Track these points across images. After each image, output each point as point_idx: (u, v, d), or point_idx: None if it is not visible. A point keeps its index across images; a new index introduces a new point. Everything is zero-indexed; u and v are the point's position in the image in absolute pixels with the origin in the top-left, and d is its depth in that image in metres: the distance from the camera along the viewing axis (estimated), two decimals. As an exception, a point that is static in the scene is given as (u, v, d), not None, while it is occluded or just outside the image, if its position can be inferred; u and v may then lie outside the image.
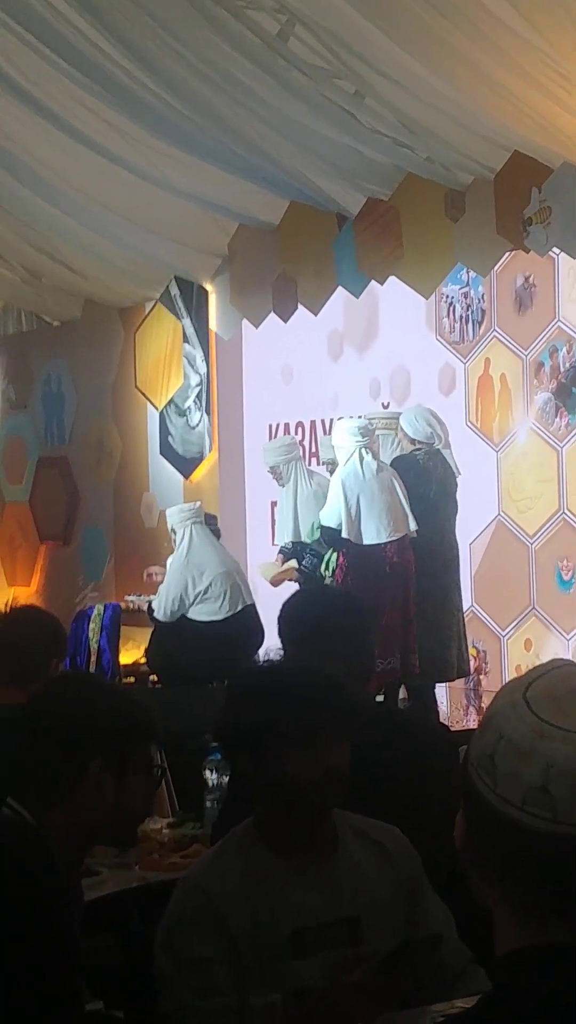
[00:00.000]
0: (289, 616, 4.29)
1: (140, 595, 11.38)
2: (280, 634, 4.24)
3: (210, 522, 10.31)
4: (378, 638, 8.29)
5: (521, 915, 1.66)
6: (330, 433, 10.15)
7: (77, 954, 2.56)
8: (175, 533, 10.14)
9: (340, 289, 10.23)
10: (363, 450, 9.16)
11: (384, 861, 3.31)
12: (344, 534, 9.04)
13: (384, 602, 8.84)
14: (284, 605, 4.36)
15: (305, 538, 9.74)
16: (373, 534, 9.04)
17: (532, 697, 1.66)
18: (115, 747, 3.14)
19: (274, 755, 3.19)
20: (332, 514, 9.15)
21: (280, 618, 4.31)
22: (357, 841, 3.31)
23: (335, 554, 9.22)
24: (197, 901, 3.17)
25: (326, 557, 9.33)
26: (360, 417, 9.80)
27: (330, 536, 9.18)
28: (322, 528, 9.27)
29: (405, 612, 9.00)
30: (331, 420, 10.95)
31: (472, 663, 9.92)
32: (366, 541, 9.03)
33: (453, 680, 9.74)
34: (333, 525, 9.13)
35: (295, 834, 3.23)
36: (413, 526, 9.09)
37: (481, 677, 10.50)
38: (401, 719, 4.98)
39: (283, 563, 9.76)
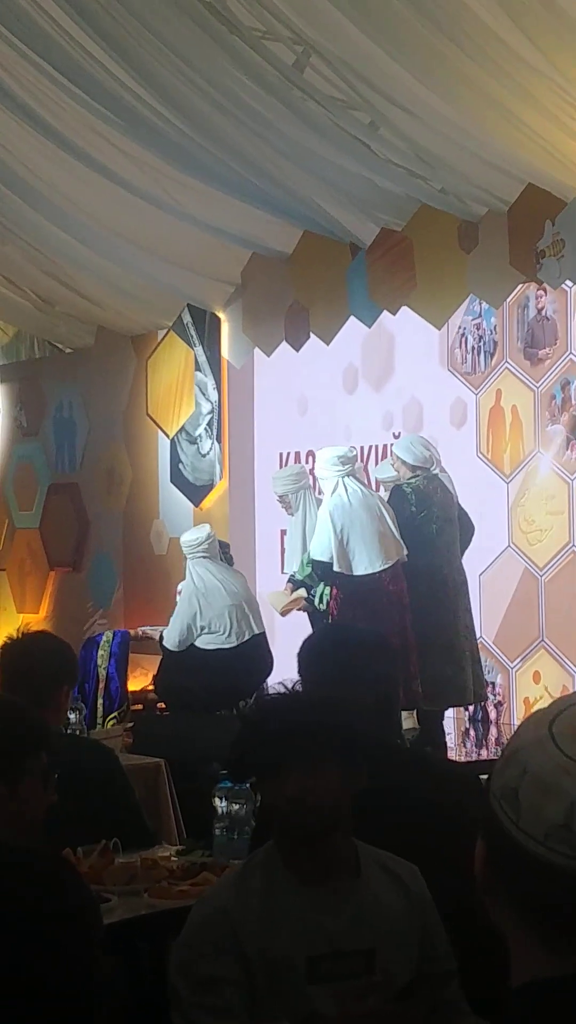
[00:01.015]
0: (307, 658, 4.22)
1: (155, 627, 11.30)
2: (300, 674, 4.19)
3: (223, 549, 10.30)
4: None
5: (539, 947, 1.66)
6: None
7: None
8: (187, 560, 10.12)
9: (358, 325, 10.25)
10: (346, 479, 9.14)
11: (403, 896, 3.31)
12: (335, 567, 9.00)
13: (385, 631, 8.83)
14: (303, 646, 4.29)
15: (297, 574, 9.70)
16: (366, 564, 9.00)
17: (558, 732, 1.66)
18: (4, 759, 3.21)
19: (257, 783, 3.26)
20: (322, 547, 9.12)
21: (299, 658, 4.25)
22: (379, 873, 3.31)
23: (326, 588, 9.18)
24: (216, 921, 3.17)
25: (318, 591, 9.29)
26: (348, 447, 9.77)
27: (322, 570, 9.14)
28: (313, 562, 9.23)
29: (404, 639, 8.96)
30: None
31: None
32: (359, 572, 8.99)
33: (471, 703, 9.73)
34: (324, 559, 9.09)
35: (301, 860, 3.24)
36: (404, 550, 9.05)
37: (488, 708, 10.48)
38: (411, 756, 4.93)
39: (292, 592, 9.73)
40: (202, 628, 9.79)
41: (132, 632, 11.47)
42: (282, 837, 3.26)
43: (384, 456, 10.79)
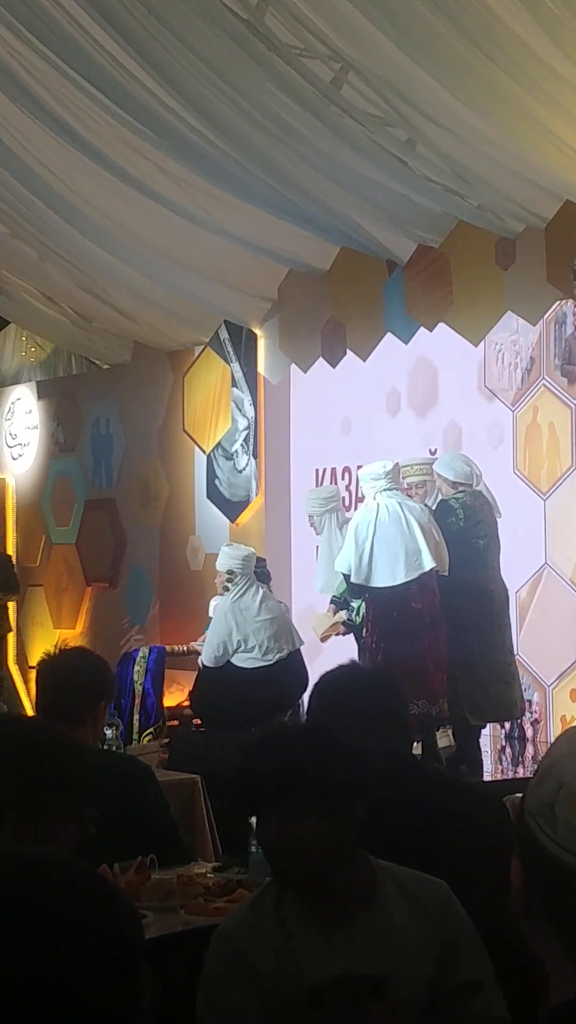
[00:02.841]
0: (317, 702, 4.20)
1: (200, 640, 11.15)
2: (310, 714, 4.19)
3: (260, 566, 10.28)
4: (410, 683, 8.29)
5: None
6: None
7: None
8: (231, 575, 10.02)
9: (400, 350, 10.25)
10: (380, 493, 9.13)
11: (418, 916, 3.29)
12: (353, 579, 9.01)
13: (410, 647, 8.81)
14: (314, 689, 4.29)
15: (334, 592, 9.70)
16: (387, 576, 8.97)
17: None
18: (33, 801, 3.19)
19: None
20: (343, 560, 9.13)
21: (310, 699, 4.25)
22: (396, 896, 3.29)
23: (362, 602, 9.21)
24: (228, 951, 3.18)
25: (357, 606, 9.31)
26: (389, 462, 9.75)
27: (348, 582, 9.18)
28: (343, 576, 9.26)
29: (436, 657, 8.92)
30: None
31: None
32: (379, 583, 8.97)
33: (517, 718, 9.71)
34: (344, 571, 9.11)
35: (302, 895, 3.25)
36: (429, 565, 8.99)
37: (525, 725, 10.45)
38: (442, 779, 4.91)
39: (335, 613, 9.69)
40: (238, 644, 9.77)
41: (171, 648, 11.43)
42: (275, 876, 3.28)
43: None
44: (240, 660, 9.79)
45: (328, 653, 10.16)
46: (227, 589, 9.97)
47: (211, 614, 10.22)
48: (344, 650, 9.46)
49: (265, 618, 9.83)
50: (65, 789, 3.27)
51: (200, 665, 10.13)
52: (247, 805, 3.27)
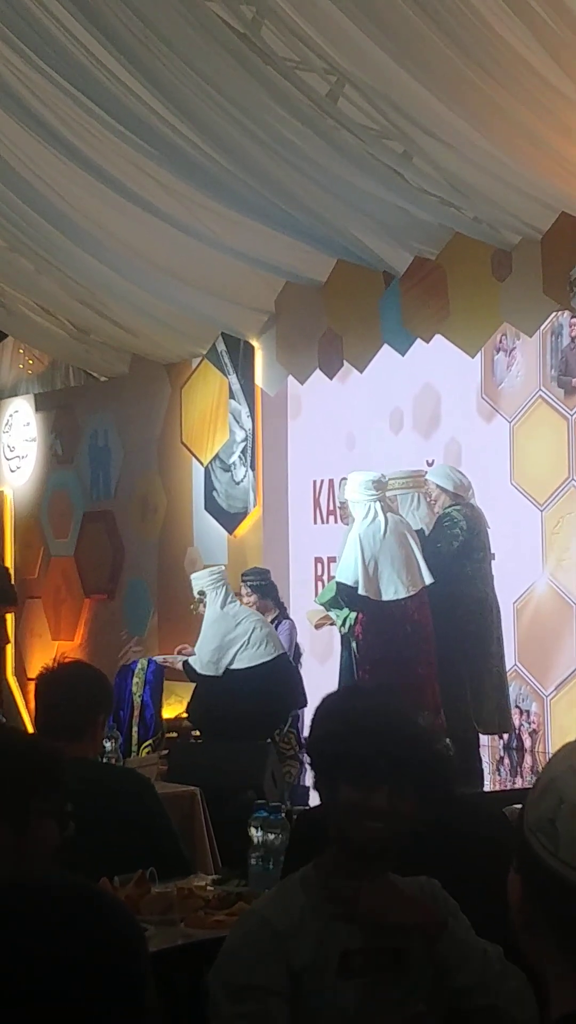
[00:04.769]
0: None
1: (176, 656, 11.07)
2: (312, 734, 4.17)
3: (264, 578, 10.50)
4: (410, 696, 8.30)
5: (579, 978, 1.66)
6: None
7: None
8: (204, 595, 10.11)
9: (401, 371, 10.27)
10: (378, 504, 9.13)
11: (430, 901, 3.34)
12: (362, 591, 8.99)
13: (408, 660, 8.82)
14: (318, 708, 4.26)
15: (317, 601, 9.72)
16: (392, 591, 8.99)
17: None
18: (10, 802, 3.23)
19: (324, 781, 3.25)
20: (348, 571, 9.10)
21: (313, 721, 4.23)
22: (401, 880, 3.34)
23: (351, 613, 9.18)
24: (262, 931, 3.19)
25: (342, 616, 9.27)
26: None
27: (347, 594, 9.11)
28: (338, 585, 9.21)
29: (429, 669, 8.94)
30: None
31: (515, 721, 9.91)
32: (386, 598, 8.98)
33: (495, 734, 9.72)
34: (349, 582, 9.07)
35: (358, 868, 3.25)
36: (428, 580, 9.03)
37: (524, 736, 10.46)
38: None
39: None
40: (239, 644, 9.78)
41: (159, 660, 11.42)
42: (345, 844, 3.25)
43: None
44: (246, 660, 9.77)
45: (319, 674, 10.20)
46: (213, 601, 10.04)
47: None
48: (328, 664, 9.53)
49: (255, 617, 9.92)
50: (41, 788, 3.30)
51: (191, 674, 10.09)
52: (363, 765, 3.23)
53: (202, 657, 9.94)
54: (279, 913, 3.22)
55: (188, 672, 10.14)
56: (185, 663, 10.20)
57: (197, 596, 10.16)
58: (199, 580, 10.24)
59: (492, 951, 3.24)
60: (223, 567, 10.57)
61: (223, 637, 9.83)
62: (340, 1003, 3.13)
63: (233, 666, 9.80)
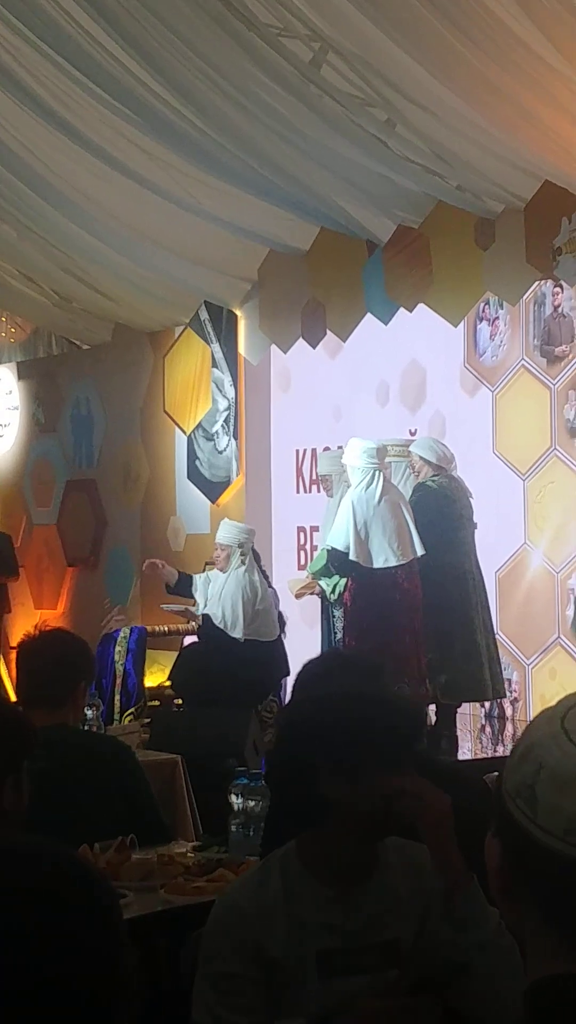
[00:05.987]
0: (306, 683, 4.16)
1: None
2: (295, 696, 4.15)
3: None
4: (395, 665, 8.31)
5: (556, 943, 1.67)
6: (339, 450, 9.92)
7: None
8: (230, 549, 9.99)
9: (388, 347, 10.26)
10: (377, 472, 9.11)
11: (415, 878, 3.30)
12: (352, 556, 8.98)
13: (396, 629, 8.83)
14: (302, 670, 4.24)
15: (309, 570, 9.69)
16: (382, 559, 8.99)
17: (571, 728, 1.67)
18: None
19: (323, 781, 3.19)
20: (339, 536, 9.08)
21: (297, 682, 4.20)
22: (396, 861, 3.30)
23: (341, 580, 9.17)
24: (233, 920, 3.18)
25: (332, 582, 9.27)
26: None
27: (338, 560, 9.10)
28: (330, 550, 9.18)
29: (416, 639, 8.96)
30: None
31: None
32: (377, 565, 8.99)
33: (491, 699, 9.71)
34: (340, 547, 9.07)
35: (336, 861, 3.23)
36: (420, 551, 9.03)
37: (505, 704, 10.49)
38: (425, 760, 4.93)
39: (310, 579, 9.71)
40: (261, 617, 9.73)
41: (152, 629, 11.35)
42: (369, 832, 3.23)
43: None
44: (258, 632, 9.73)
45: (300, 641, 10.21)
46: (242, 562, 9.91)
47: (194, 591, 10.14)
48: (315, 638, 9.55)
49: (270, 592, 9.91)
50: (17, 760, 3.32)
51: (206, 635, 9.94)
52: (388, 745, 3.21)
53: (235, 617, 9.77)
54: (252, 901, 3.21)
55: (209, 628, 9.96)
56: (207, 619, 10.00)
57: (238, 547, 9.99)
58: (236, 532, 10.06)
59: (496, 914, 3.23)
60: (252, 528, 10.36)
61: (255, 605, 9.78)
62: (329, 1005, 3.11)
63: (249, 636, 9.76)
